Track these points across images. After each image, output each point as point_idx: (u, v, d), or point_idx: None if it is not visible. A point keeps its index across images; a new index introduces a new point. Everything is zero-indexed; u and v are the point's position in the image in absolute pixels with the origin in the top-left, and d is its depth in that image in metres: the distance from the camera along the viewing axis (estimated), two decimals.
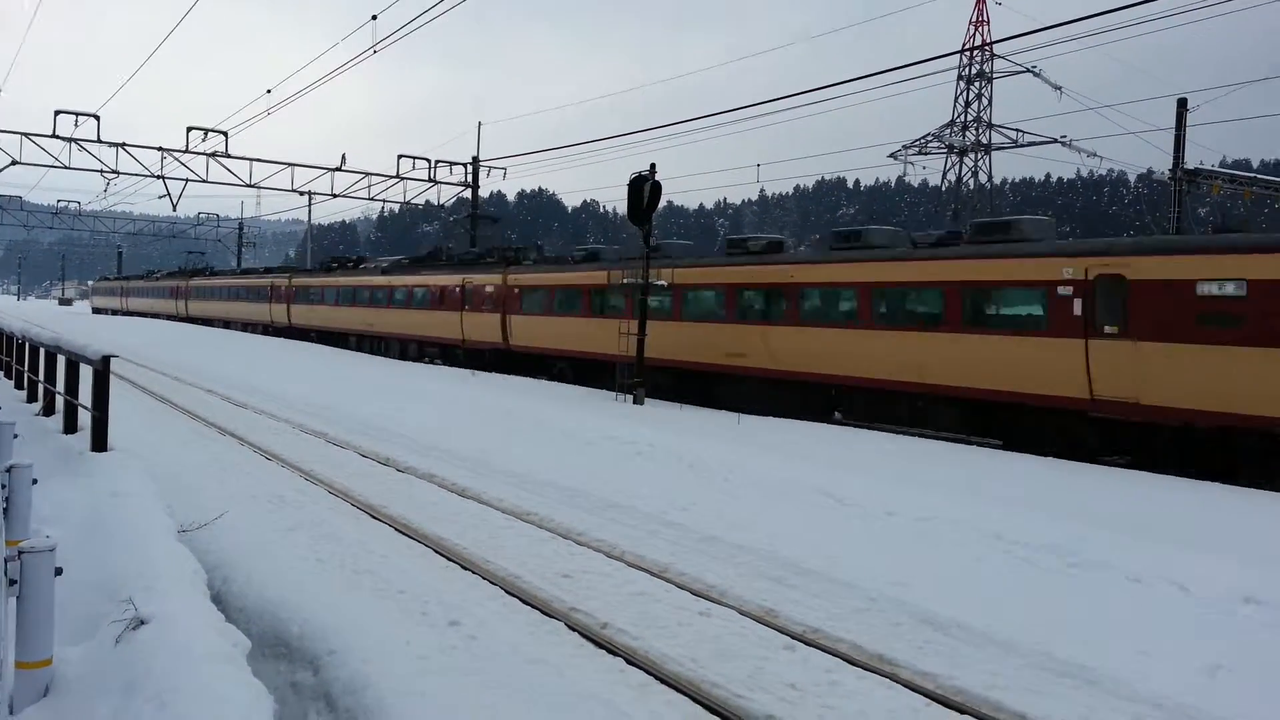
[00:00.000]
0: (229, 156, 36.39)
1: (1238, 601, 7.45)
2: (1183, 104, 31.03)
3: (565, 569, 8.41)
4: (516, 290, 28.41)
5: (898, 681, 6.13)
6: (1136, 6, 15.46)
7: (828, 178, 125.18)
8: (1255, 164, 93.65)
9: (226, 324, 54.44)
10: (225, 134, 35.69)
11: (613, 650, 6.53)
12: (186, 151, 35.88)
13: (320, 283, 42.72)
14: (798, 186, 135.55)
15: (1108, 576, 8.19)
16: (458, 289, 31.41)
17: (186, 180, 38.14)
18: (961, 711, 5.71)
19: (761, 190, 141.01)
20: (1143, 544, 8.89)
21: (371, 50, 26.37)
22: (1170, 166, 30.78)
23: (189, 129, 35.27)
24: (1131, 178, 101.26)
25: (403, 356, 34.74)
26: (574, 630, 6.89)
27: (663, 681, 6.04)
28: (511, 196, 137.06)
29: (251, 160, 38.03)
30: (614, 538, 9.47)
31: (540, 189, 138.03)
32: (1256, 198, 32.68)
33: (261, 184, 39.53)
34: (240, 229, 79.57)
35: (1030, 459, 14.56)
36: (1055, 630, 6.87)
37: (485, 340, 29.91)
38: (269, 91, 40.02)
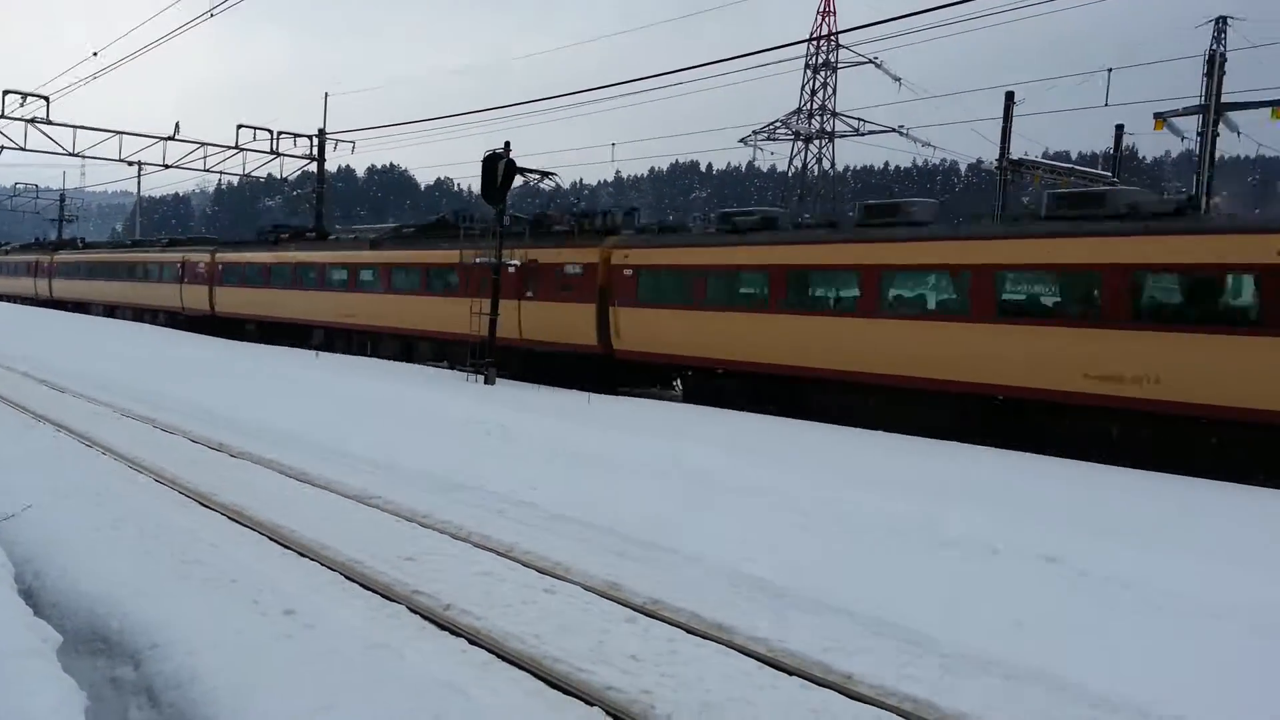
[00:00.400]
0: (50, 123, 33.87)
1: (1040, 560, 8.10)
2: (1010, 97, 32.88)
3: (409, 552, 8.30)
4: (629, 271, 20.57)
5: (733, 647, 6.37)
6: (967, 2, 16.26)
7: (681, 160, 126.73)
8: (1074, 155, 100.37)
9: (110, 311, 43.90)
10: (46, 99, 33.26)
11: (456, 631, 6.51)
12: (2, 117, 33.19)
13: (271, 259, 32.60)
14: (653, 168, 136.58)
15: (930, 541, 8.73)
16: (512, 269, 23.57)
17: (1, 148, 35.35)
18: (790, 673, 5.99)
19: (617, 172, 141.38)
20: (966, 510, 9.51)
21: (208, 14, 24.99)
22: (997, 157, 32.68)
23: (5, 92, 32.75)
24: (962, 167, 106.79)
25: (407, 357, 26.68)
26: (416, 613, 6.83)
27: (505, 660, 6.07)
28: (361, 172, 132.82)
29: (75, 127, 35.48)
30: (460, 518, 9.41)
31: (391, 165, 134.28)
32: (1073, 187, 35.14)
33: (86, 153, 36.96)
34: (61, 200, 73.94)
35: (855, 432, 15.23)
36: (879, 593, 7.28)
37: (566, 340, 21.74)
38: (95, 54, 37.23)
